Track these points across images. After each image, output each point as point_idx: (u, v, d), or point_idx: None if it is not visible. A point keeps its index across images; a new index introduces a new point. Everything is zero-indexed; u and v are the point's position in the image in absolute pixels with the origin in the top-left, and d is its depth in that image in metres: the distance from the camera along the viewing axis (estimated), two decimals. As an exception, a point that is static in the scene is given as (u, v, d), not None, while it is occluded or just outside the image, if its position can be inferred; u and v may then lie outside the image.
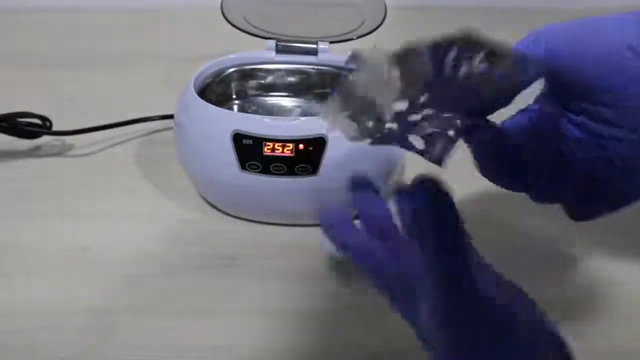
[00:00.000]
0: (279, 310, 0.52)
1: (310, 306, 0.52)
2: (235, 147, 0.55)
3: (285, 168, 0.55)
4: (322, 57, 0.65)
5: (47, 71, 0.86)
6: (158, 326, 0.50)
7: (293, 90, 0.68)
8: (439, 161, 0.40)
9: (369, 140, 0.41)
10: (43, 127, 0.68)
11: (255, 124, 0.55)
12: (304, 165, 0.55)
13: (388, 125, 0.40)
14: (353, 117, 0.39)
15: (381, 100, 0.38)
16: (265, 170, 0.55)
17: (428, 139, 0.40)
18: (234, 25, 0.64)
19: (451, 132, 0.39)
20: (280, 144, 0.55)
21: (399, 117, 0.39)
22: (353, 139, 0.40)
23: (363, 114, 0.39)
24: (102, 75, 0.85)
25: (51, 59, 0.89)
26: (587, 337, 0.50)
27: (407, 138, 0.41)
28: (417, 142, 0.40)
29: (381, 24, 0.63)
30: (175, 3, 1.04)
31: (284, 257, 0.57)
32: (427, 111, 0.39)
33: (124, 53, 0.91)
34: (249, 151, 0.55)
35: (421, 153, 0.41)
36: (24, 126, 0.67)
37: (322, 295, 0.53)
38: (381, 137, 0.41)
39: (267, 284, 0.54)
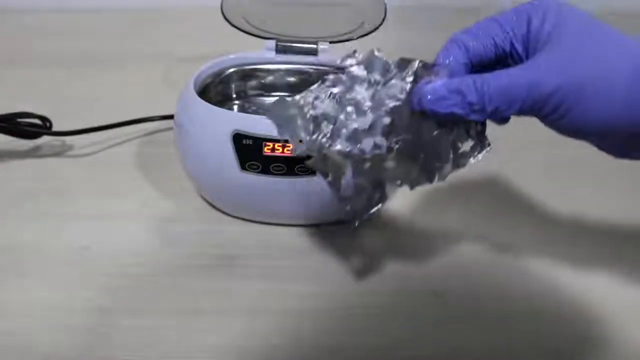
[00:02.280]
0: (278, 310, 0.52)
1: (310, 306, 0.52)
2: (235, 147, 0.55)
3: (285, 168, 0.55)
4: (322, 57, 0.65)
5: (47, 71, 0.86)
6: (158, 326, 0.50)
7: (293, 90, 0.68)
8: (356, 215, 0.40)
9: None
10: (43, 127, 0.68)
11: (255, 124, 0.55)
12: (304, 165, 0.55)
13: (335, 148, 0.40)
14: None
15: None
16: (265, 171, 0.55)
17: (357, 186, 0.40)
18: (233, 26, 0.64)
19: (377, 195, 0.40)
20: (280, 144, 0.55)
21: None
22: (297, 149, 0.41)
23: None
24: (102, 75, 0.85)
25: (51, 59, 0.90)
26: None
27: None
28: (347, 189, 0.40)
29: (381, 24, 0.63)
30: (175, 3, 1.04)
31: (284, 257, 0.57)
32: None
33: (124, 53, 0.91)
34: (249, 151, 0.55)
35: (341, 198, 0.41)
36: (24, 126, 0.67)
37: (322, 295, 0.53)
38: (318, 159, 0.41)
39: (267, 284, 0.54)
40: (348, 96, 0.40)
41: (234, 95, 0.68)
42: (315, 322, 0.51)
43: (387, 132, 0.40)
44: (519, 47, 0.39)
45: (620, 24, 0.39)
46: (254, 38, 0.64)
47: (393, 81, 0.40)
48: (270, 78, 0.67)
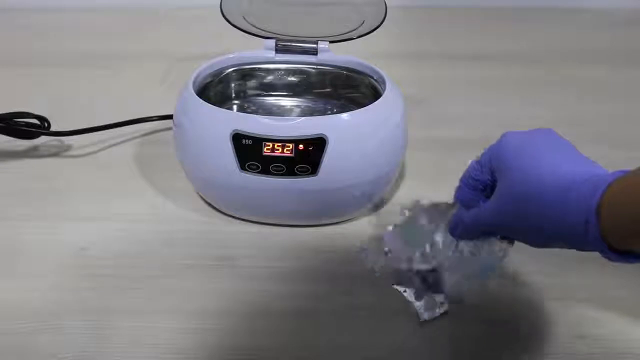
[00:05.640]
0: (278, 311, 0.51)
1: (309, 306, 0.52)
2: (235, 148, 0.55)
3: (285, 168, 0.55)
4: (322, 57, 0.65)
5: (45, 71, 0.85)
6: (157, 326, 0.50)
7: (293, 90, 0.68)
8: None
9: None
10: (41, 127, 0.68)
11: (255, 124, 0.55)
12: (303, 165, 0.55)
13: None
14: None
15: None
16: (265, 171, 0.55)
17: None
18: (233, 25, 0.64)
19: (439, 298, 0.51)
20: (279, 144, 0.55)
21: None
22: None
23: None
24: (101, 75, 0.85)
25: (51, 59, 0.89)
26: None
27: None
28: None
29: (381, 23, 0.63)
30: (175, 3, 1.04)
31: (284, 258, 0.57)
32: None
33: (124, 53, 0.91)
34: (249, 151, 0.55)
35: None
36: (22, 126, 0.67)
37: (322, 296, 0.53)
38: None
39: (267, 284, 0.54)
40: (412, 231, 0.52)
41: (234, 95, 0.67)
42: (316, 322, 0.51)
43: (437, 251, 0.51)
44: (491, 179, 0.47)
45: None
46: (254, 37, 0.64)
47: (433, 217, 0.51)
48: (269, 78, 0.67)
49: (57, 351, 0.48)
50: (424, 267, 0.51)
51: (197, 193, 0.63)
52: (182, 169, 0.61)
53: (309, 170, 0.55)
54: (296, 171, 0.55)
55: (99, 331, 0.49)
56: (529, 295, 0.53)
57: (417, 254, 0.51)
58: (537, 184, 0.41)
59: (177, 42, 0.94)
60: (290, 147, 0.55)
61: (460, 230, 0.49)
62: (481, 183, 0.47)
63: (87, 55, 0.90)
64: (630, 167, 0.62)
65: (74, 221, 0.60)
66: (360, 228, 0.60)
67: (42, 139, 0.69)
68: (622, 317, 0.51)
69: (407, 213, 0.53)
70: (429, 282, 0.52)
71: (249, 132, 0.55)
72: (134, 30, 0.99)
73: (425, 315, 0.51)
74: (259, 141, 0.55)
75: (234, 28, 0.64)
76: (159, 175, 0.66)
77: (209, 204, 0.62)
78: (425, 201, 0.52)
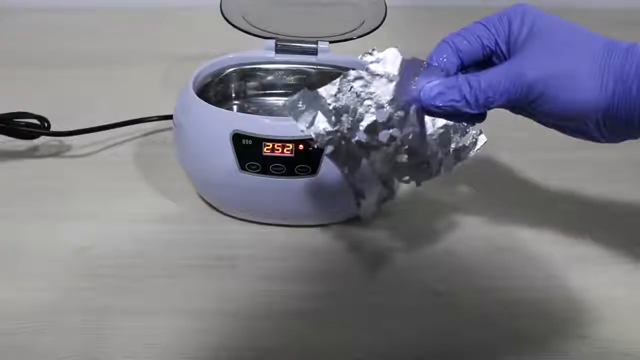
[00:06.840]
0: (278, 311, 0.51)
1: (310, 306, 0.52)
2: (235, 148, 0.55)
3: (285, 168, 0.55)
4: (322, 57, 0.65)
5: (46, 71, 0.85)
6: (157, 326, 0.50)
7: (293, 90, 0.68)
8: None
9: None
10: (41, 127, 0.68)
11: (255, 124, 0.55)
12: (303, 165, 0.55)
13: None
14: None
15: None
16: (265, 171, 0.55)
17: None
18: (233, 25, 0.64)
19: (385, 191, 0.44)
20: (279, 144, 0.55)
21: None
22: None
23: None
24: (101, 75, 0.85)
25: (51, 59, 0.89)
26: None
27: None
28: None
29: (381, 23, 0.63)
30: (175, 3, 1.04)
31: (284, 258, 0.57)
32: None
33: (124, 53, 0.91)
34: (249, 151, 0.55)
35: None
36: (22, 127, 0.67)
37: (322, 296, 0.53)
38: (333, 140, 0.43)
39: (266, 284, 0.54)
40: (367, 90, 0.43)
41: (234, 95, 0.67)
42: (316, 323, 0.51)
43: (401, 125, 0.42)
44: (503, 46, 0.44)
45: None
46: (254, 37, 0.64)
47: (405, 78, 0.43)
48: (269, 78, 0.67)
49: (57, 351, 0.48)
50: (378, 138, 0.42)
51: (197, 193, 0.63)
52: (182, 169, 0.61)
53: (309, 170, 0.55)
54: (296, 171, 0.55)
55: (99, 331, 0.49)
56: (529, 295, 0.53)
57: (372, 118, 0.42)
58: (590, 38, 0.42)
59: (177, 42, 0.94)
60: (290, 147, 0.55)
61: (452, 94, 0.43)
62: (487, 46, 0.44)
63: (87, 55, 0.90)
64: (630, 166, 0.63)
65: (74, 221, 0.60)
66: (360, 228, 0.60)
67: (42, 139, 0.69)
68: (622, 317, 0.51)
69: (372, 59, 0.44)
70: (379, 162, 0.43)
71: (249, 132, 0.55)
72: (134, 30, 0.99)
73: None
74: (259, 141, 0.55)
75: (234, 28, 0.64)
76: (159, 175, 0.66)
77: (209, 204, 0.62)
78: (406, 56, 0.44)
